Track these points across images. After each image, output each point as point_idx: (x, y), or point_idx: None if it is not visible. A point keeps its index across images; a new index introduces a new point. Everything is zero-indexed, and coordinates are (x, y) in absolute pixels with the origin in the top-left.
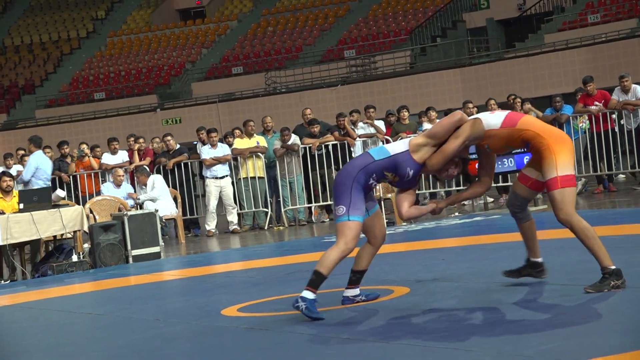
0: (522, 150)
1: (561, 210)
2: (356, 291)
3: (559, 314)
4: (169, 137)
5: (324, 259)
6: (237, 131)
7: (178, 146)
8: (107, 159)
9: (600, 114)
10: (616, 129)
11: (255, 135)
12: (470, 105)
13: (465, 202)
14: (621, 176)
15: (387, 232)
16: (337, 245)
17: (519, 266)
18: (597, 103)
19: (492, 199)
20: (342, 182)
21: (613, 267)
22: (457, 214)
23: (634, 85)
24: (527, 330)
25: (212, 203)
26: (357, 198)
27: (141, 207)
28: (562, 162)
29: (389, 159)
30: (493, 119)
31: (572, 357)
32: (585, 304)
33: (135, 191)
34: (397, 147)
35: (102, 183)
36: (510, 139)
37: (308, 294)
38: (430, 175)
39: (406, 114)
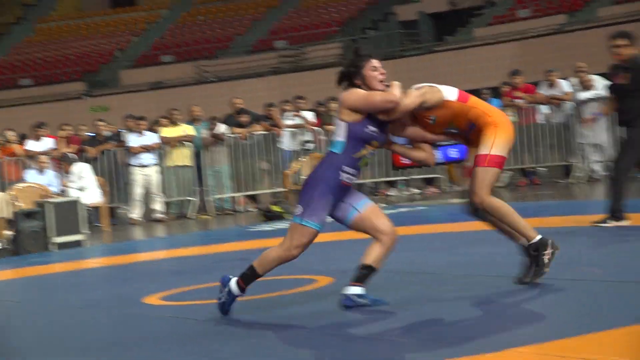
0: (451, 141)
1: (476, 194)
2: (358, 290)
3: (482, 303)
4: (100, 123)
5: (263, 256)
6: (163, 120)
7: (109, 133)
8: (32, 145)
9: (526, 107)
10: (538, 121)
11: (183, 124)
12: None
13: (392, 193)
14: (542, 169)
15: None
16: (281, 245)
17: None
18: (520, 95)
19: (417, 190)
20: (308, 182)
21: (538, 237)
22: (382, 205)
23: (560, 80)
24: (450, 318)
25: (138, 191)
26: (319, 203)
27: (64, 195)
28: (499, 142)
29: (345, 140)
30: (448, 90)
31: (493, 346)
32: (505, 294)
33: (60, 178)
34: (338, 130)
35: (25, 170)
36: (459, 114)
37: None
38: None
39: (335, 105)
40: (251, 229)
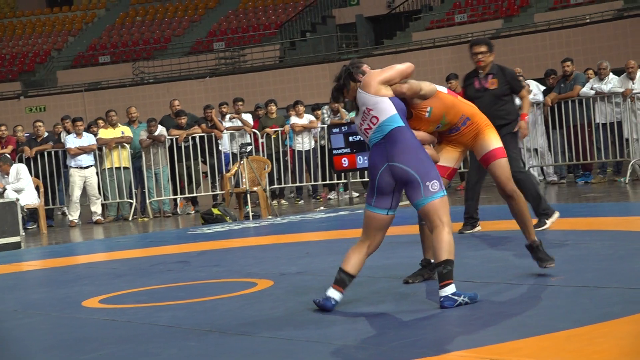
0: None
1: (507, 184)
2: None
3: (423, 307)
4: (39, 124)
5: (437, 246)
6: (100, 121)
7: (46, 134)
8: None
9: None
10: None
11: (120, 125)
12: None
13: (331, 197)
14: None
15: (253, 225)
16: (442, 225)
17: (417, 270)
18: None
19: (357, 194)
20: (419, 154)
21: (536, 239)
22: (322, 208)
23: None
24: (390, 323)
25: (76, 193)
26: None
27: (1, 196)
28: (497, 136)
29: (397, 112)
30: (439, 86)
31: (433, 350)
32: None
33: None
34: (383, 107)
35: None
36: (452, 108)
37: (450, 288)
38: None
39: (274, 107)
40: (190, 232)
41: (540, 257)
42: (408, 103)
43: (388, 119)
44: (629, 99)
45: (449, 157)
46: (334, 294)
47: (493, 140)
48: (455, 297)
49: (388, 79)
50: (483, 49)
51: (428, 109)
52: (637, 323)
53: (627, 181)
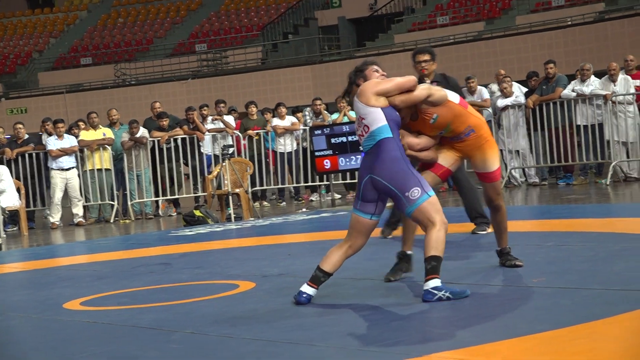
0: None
1: (498, 198)
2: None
3: (405, 308)
4: (19, 125)
5: (431, 243)
6: (81, 123)
7: (27, 136)
8: None
9: None
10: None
11: (101, 127)
12: (318, 102)
13: (313, 198)
14: None
15: (235, 227)
16: (433, 226)
17: (394, 265)
18: None
19: (339, 196)
20: (397, 167)
21: (507, 247)
22: (304, 209)
23: (479, 87)
24: (372, 324)
25: (58, 195)
26: (417, 173)
27: None
28: (496, 157)
29: (387, 123)
30: (451, 94)
31: (417, 351)
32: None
33: None
34: (374, 117)
35: None
36: (459, 118)
37: (433, 282)
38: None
39: (254, 109)
40: (172, 234)
41: (509, 259)
42: (416, 106)
43: (377, 129)
44: (610, 102)
45: (446, 158)
46: (307, 289)
47: (492, 161)
48: (435, 292)
49: (383, 92)
50: (426, 57)
51: (434, 116)
52: (618, 325)
53: (608, 183)
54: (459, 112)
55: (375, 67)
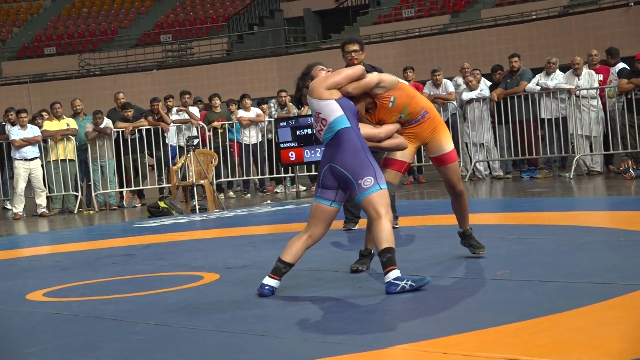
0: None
1: (458, 184)
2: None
3: (369, 300)
4: None
5: (377, 236)
6: (45, 113)
7: None
8: None
9: None
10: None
11: (65, 117)
12: (284, 94)
13: (278, 190)
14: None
15: (199, 219)
16: (379, 217)
17: (360, 259)
18: None
19: (304, 188)
20: (356, 155)
21: (469, 228)
22: (269, 201)
23: (445, 80)
24: (335, 316)
25: (21, 185)
26: (377, 165)
27: None
28: (450, 137)
29: (344, 113)
30: (401, 79)
31: (379, 343)
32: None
33: None
34: (330, 108)
35: None
36: (413, 99)
37: (394, 274)
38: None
39: (218, 101)
40: (136, 225)
41: (472, 244)
42: (371, 95)
43: (335, 121)
44: (573, 95)
45: (405, 152)
46: (269, 281)
47: (448, 142)
48: (398, 282)
49: (334, 84)
50: (355, 47)
51: (391, 99)
52: (581, 317)
53: (571, 176)
54: (412, 93)
55: (320, 66)
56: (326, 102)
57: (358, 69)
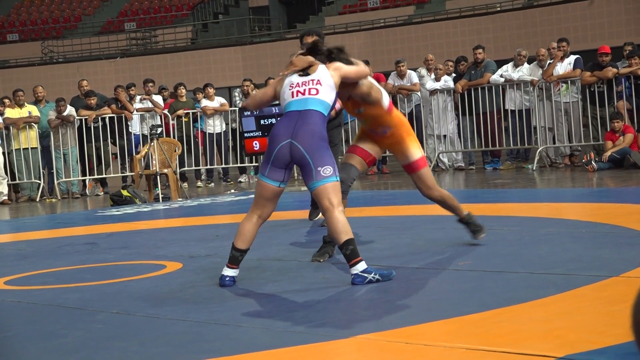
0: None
1: (433, 189)
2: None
3: (332, 290)
4: None
5: (332, 229)
6: (7, 100)
7: None
8: None
9: None
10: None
11: (27, 105)
12: (247, 83)
13: (242, 180)
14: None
15: (162, 207)
16: (332, 209)
17: (321, 246)
18: None
19: None
20: (321, 143)
21: (465, 212)
22: (233, 190)
23: (409, 71)
24: (298, 305)
25: None
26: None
27: None
28: (419, 144)
29: (331, 106)
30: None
31: (342, 332)
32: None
33: None
34: (328, 94)
35: None
36: (374, 86)
37: (361, 266)
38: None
39: (183, 91)
40: (99, 213)
41: (473, 230)
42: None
43: (321, 101)
44: (537, 87)
45: (373, 148)
46: (228, 271)
47: (414, 150)
48: (366, 275)
49: (349, 77)
50: (314, 38)
51: (371, 94)
52: (542, 307)
53: (534, 168)
54: (385, 94)
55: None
56: (334, 87)
57: (367, 71)
